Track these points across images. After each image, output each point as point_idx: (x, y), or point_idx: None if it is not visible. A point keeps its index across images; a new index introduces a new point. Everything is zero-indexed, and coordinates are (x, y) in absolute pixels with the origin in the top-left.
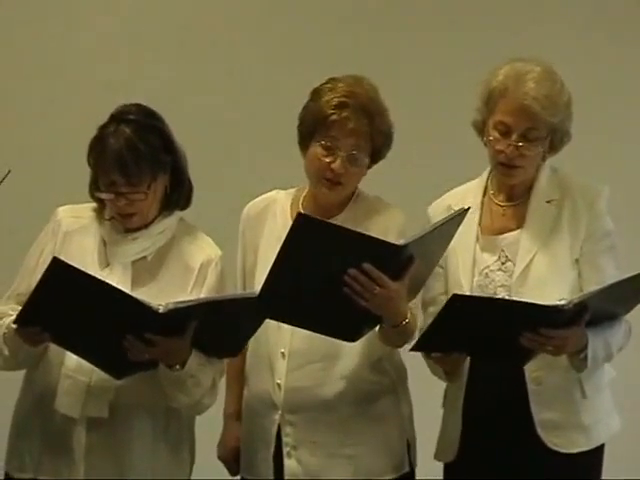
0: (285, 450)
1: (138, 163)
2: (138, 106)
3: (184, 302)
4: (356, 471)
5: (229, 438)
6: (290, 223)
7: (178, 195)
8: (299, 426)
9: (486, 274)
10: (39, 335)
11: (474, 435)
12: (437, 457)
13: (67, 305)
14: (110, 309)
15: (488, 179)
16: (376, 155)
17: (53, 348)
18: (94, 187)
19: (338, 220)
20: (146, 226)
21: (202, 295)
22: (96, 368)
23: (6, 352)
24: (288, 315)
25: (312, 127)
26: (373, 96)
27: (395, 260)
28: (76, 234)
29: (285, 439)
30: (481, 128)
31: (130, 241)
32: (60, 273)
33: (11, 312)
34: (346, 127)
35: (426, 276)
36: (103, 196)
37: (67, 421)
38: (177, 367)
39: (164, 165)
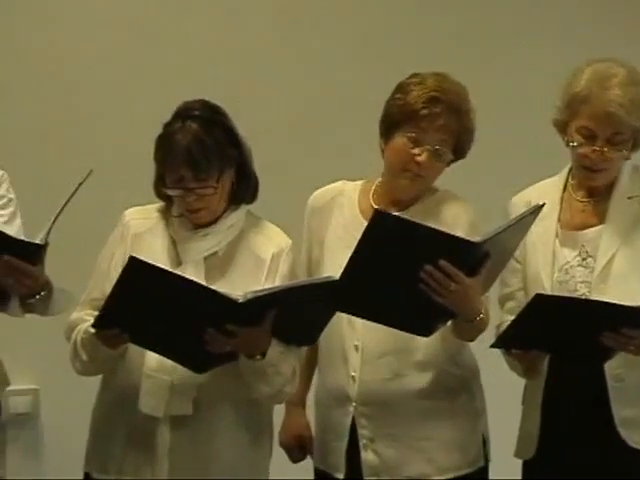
0: (361, 442)
1: (206, 157)
2: (202, 102)
3: (263, 290)
4: (432, 464)
5: (292, 425)
6: (358, 215)
7: (245, 189)
8: (375, 419)
9: (566, 270)
10: (118, 337)
11: (553, 432)
12: (516, 454)
13: (146, 304)
14: (190, 303)
15: (568, 175)
16: (459, 152)
17: (132, 349)
18: (160, 185)
19: (410, 212)
20: (215, 222)
21: (275, 285)
22: (177, 365)
23: (84, 357)
24: (363, 309)
25: (398, 119)
26: (463, 94)
27: (471, 256)
28: (145, 235)
29: (361, 431)
30: (562, 128)
31: (201, 237)
32: (138, 271)
33: (87, 317)
34: (436, 122)
35: (499, 271)
36: (171, 192)
37: (150, 420)
38: (258, 357)
39: (230, 159)
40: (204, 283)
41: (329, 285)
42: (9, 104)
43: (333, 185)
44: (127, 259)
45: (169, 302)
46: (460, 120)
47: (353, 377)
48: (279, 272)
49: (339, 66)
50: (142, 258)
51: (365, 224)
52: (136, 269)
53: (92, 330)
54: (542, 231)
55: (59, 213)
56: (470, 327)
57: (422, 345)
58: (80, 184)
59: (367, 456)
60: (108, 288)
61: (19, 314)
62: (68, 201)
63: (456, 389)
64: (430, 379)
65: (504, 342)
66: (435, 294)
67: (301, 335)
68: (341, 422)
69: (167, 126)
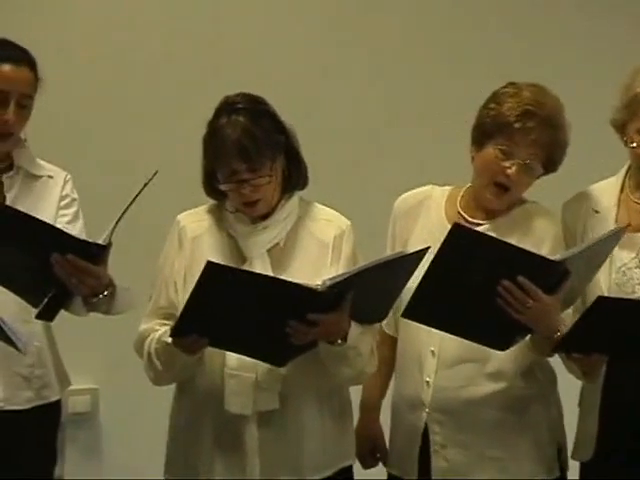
0: (433, 448)
1: (258, 147)
2: (243, 94)
3: (340, 276)
4: (504, 473)
5: (365, 430)
6: (444, 220)
7: (297, 175)
8: (447, 425)
9: (624, 272)
10: (197, 342)
11: (611, 434)
12: (574, 456)
13: (224, 306)
14: (269, 298)
15: (626, 176)
16: (550, 166)
17: (211, 351)
18: (210, 182)
19: (496, 223)
20: (271, 213)
21: (341, 267)
22: (259, 362)
23: (159, 367)
24: (439, 321)
25: (491, 129)
26: (558, 107)
27: (550, 274)
28: (203, 237)
29: (433, 437)
30: (620, 128)
31: (261, 231)
32: (215, 276)
33: (157, 327)
34: (529, 136)
35: (582, 288)
36: (226, 187)
37: (237, 420)
38: (339, 341)
39: (280, 146)
40: (283, 277)
41: (400, 261)
42: (71, 105)
43: (421, 189)
44: (204, 265)
45: (248, 301)
46: (553, 134)
47: (428, 382)
48: (343, 253)
49: (411, 72)
50: (218, 262)
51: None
52: (214, 273)
53: (167, 339)
54: (600, 233)
55: (123, 214)
56: (547, 343)
57: (498, 355)
58: (145, 184)
59: (437, 462)
60: (174, 295)
61: (82, 313)
62: (132, 202)
63: (530, 400)
64: (503, 389)
65: (565, 345)
66: (512, 310)
67: (372, 313)
68: (414, 427)
69: (213, 123)
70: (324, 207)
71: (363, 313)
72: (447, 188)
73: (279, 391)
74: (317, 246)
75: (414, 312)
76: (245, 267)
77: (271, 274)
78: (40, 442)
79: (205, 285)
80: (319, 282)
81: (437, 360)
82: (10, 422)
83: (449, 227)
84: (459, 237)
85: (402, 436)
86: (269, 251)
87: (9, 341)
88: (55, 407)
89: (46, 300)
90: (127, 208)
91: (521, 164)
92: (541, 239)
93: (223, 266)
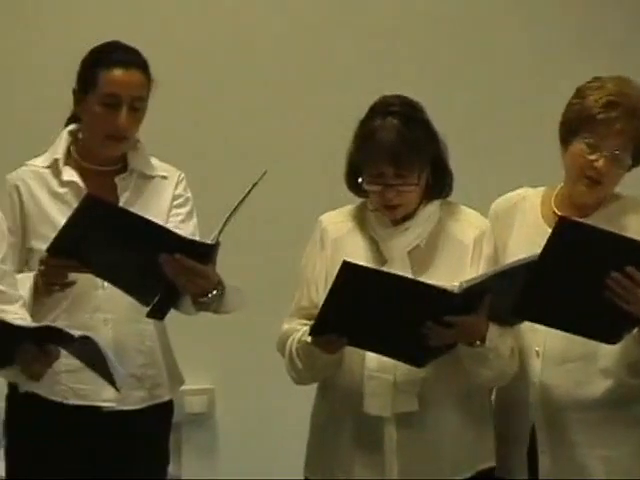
0: (540, 448)
1: (409, 155)
2: (400, 97)
3: (476, 278)
4: (611, 473)
5: None
6: (541, 221)
7: (441, 185)
8: (554, 425)
9: None
10: (336, 341)
11: None
12: None
13: (362, 306)
14: (406, 300)
15: None
16: (639, 157)
17: (351, 351)
18: (353, 178)
19: (592, 219)
20: (412, 215)
21: (481, 268)
22: (398, 363)
23: (300, 366)
24: (547, 317)
25: (577, 125)
26: None
27: None
28: (345, 238)
29: (540, 437)
30: None
31: (402, 232)
32: (352, 276)
33: (298, 327)
34: (613, 127)
35: None
36: (370, 188)
37: (377, 421)
38: (477, 343)
39: (429, 155)
40: (419, 279)
41: (527, 266)
42: (182, 106)
43: (515, 192)
44: (340, 264)
45: (385, 301)
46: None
47: (534, 383)
48: (483, 255)
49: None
50: (355, 262)
51: (547, 230)
52: (350, 273)
53: (307, 339)
54: None
55: (232, 213)
56: None
57: (604, 353)
58: (254, 184)
59: (544, 461)
60: (315, 295)
61: (192, 312)
62: (242, 201)
63: (636, 395)
64: (610, 387)
65: None
66: (622, 301)
67: (505, 313)
68: (521, 428)
69: (366, 122)
70: (465, 207)
71: (501, 314)
72: (541, 189)
73: (418, 393)
74: (457, 247)
75: (524, 311)
76: (384, 268)
77: (409, 275)
78: (153, 442)
79: (342, 285)
80: (457, 284)
81: (542, 360)
82: (123, 422)
83: (546, 228)
84: (566, 230)
85: (509, 437)
86: (410, 252)
87: (108, 376)
88: (168, 406)
89: (156, 299)
90: (236, 208)
91: (608, 156)
92: (638, 233)
93: (359, 266)
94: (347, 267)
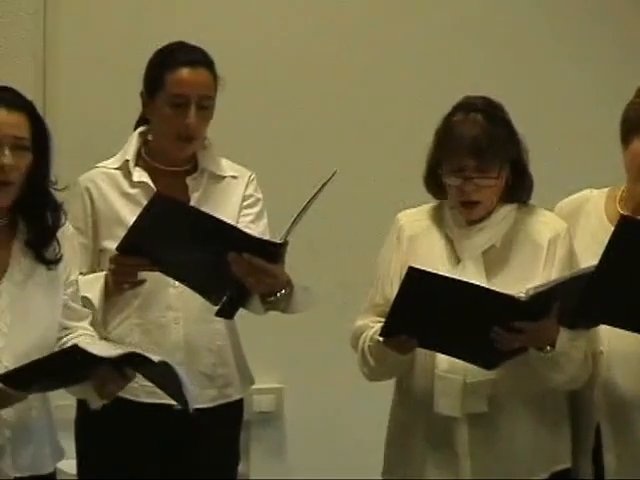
0: (605, 446)
1: (491, 149)
2: (483, 97)
3: (544, 285)
4: None
5: None
6: (606, 221)
7: (520, 188)
8: (620, 424)
9: None
10: (406, 342)
11: None
12: None
13: (430, 309)
14: (473, 305)
15: None
16: None
17: (422, 351)
18: (434, 175)
19: None
20: (487, 215)
21: (554, 270)
22: (469, 365)
23: (372, 363)
24: (611, 318)
25: (636, 124)
26: None
27: None
28: (421, 237)
29: (604, 436)
30: None
31: (477, 232)
32: (418, 281)
33: (371, 324)
34: None
35: None
36: (450, 181)
37: (449, 421)
38: (547, 348)
39: (509, 155)
40: (485, 285)
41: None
42: (252, 105)
43: (580, 193)
44: (406, 269)
45: (452, 306)
46: None
47: (598, 382)
48: (557, 257)
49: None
50: (421, 267)
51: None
52: (416, 278)
53: (379, 337)
54: None
55: (301, 213)
56: None
57: None
58: (324, 184)
59: (610, 461)
60: (390, 293)
61: (260, 312)
62: (311, 201)
63: None
64: None
65: None
66: None
67: (572, 319)
68: (587, 425)
69: (448, 118)
70: (542, 209)
71: (571, 318)
72: (605, 190)
73: (488, 395)
74: (532, 248)
75: (588, 313)
76: (457, 269)
77: (478, 279)
78: (224, 440)
79: (409, 289)
80: (524, 291)
81: (607, 359)
82: (195, 420)
83: (611, 227)
84: (628, 228)
85: (574, 434)
86: (484, 253)
87: (180, 398)
88: (238, 405)
89: (225, 298)
90: (305, 207)
91: None
92: None
93: (425, 272)
94: (413, 272)
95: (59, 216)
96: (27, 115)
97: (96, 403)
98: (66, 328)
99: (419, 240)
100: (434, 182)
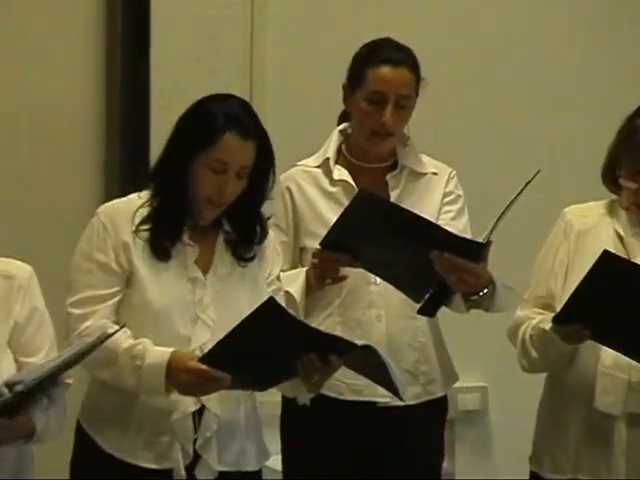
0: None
1: None
2: None
3: None
4: None
5: None
6: None
7: None
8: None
9: None
10: (579, 332)
11: None
12: None
13: (614, 300)
14: None
15: None
16: None
17: (586, 346)
18: (611, 172)
19: None
20: None
21: None
22: (634, 363)
23: (533, 354)
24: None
25: None
26: None
27: None
28: (590, 232)
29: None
30: None
31: None
32: (609, 266)
33: (532, 315)
34: None
35: None
36: (625, 183)
37: (607, 418)
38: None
39: None
40: None
41: None
42: (453, 104)
43: None
44: (600, 254)
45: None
46: None
47: None
48: None
49: None
50: (616, 253)
51: None
52: (608, 264)
53: (546, 326)
54: None
55: (504, 212)
56: None
57: None
58: (527, 183)
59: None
60: (553, 286)
61: (463, 310)
62: (514, 200)
63: None
64: None
65: None
66: None
67: None
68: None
69: (632, 119)
70: None
71: None
72: None
73: None
74: None
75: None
76: None
77: None
78: (427, 438)
79: (597, 275)
80: None
81: None
82: (398, 418)
83: None
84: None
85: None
86: None
87: (389, 384)
88: (442, 403)
89: (427, 296)
90: (508, 207)
91: None
92: None
93: (620, 258)
94: (606, 256)
95: (266, 231)
96: (257, 143)
97: (304, 397)
98: None
99: (589, 235)
100: (611, 178)
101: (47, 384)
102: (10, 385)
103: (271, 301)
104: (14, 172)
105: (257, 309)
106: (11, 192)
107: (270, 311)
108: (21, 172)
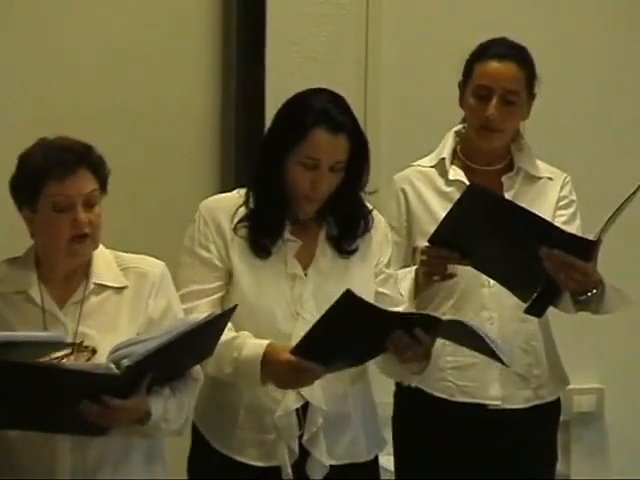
0: None
1: None
2: None
3: None
4: None
5: None
6: None
7: None
8: None
9: None
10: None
11: None
12: None
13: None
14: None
15: None
16: None
17: None
18: None
19: None
20: None
21: None
22: None
23: None
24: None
25: None
26: None
27: None
28: None
29: None
30: None
31: None
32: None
33: None
34: None
35: None
36: None
37: None
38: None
39: None
40: None
41: None
42: (567, 106)
43: None
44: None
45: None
46: None
47: None
48: None
49: None
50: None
51: None
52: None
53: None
54: None
55: (617, 212)
56: None
57: None
58: None
59: None
60: None
61: (571, 311)
62: (628, 200)
63: None
64: None
65: None
66: None
67: None
68: None
69: None
70: None
71: None
72: None
73: None
74: None
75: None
76: None
77: None
78: (540, 440)
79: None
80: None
81: None
82: (509, 420)
83: None
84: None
85: None
86: None
87: (491, 354)
88: (554, 406)
89: (535, 295)
90: (622, 207)
91: None
92: None
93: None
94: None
95: (369, 222)
96: (349, 136)
97: (409, 378)
98: None
99: None
100: None
101: (165, 364)
102: (117, 361)
103: (348, 294)
104: (135, 169)
105: (335, 303)
106: (131, 189)
107: (349, 303)
108: (140, 170)
